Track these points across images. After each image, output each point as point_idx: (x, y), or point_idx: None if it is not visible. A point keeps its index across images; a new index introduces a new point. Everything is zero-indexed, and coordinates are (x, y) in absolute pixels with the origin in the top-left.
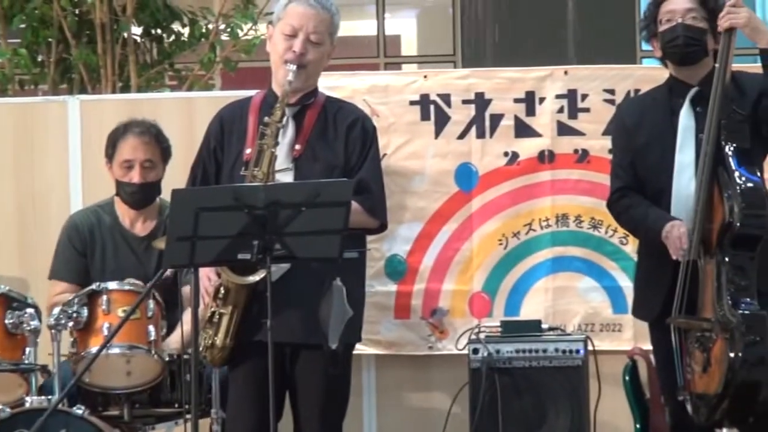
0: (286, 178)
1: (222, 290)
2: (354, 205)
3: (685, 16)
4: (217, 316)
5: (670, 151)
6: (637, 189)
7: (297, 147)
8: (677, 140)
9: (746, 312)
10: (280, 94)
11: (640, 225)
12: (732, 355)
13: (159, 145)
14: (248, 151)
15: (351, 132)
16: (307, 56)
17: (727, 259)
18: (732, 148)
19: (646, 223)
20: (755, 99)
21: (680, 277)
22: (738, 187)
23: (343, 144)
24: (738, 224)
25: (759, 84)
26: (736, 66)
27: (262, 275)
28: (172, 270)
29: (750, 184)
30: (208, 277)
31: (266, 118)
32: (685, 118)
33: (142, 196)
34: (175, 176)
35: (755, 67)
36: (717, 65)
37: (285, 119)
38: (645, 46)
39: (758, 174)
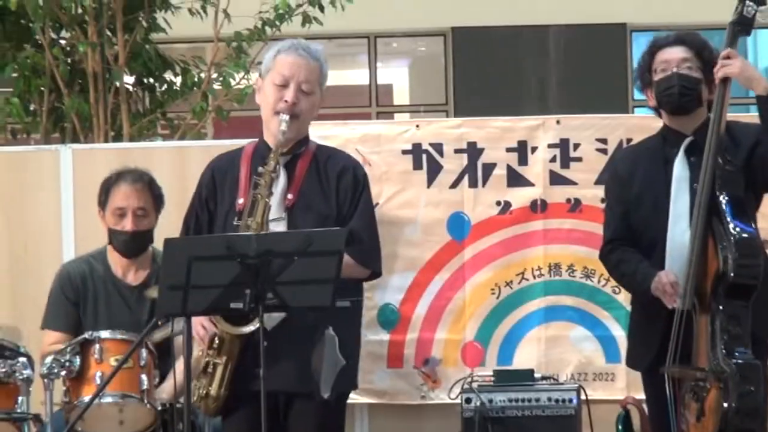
0: (279, 227)
1: (217, 340)
2: (345, 257)
3: (680, 66)
4: (212, 366)
5: (664, 201)
6: (630, 240)
7: (289, 196)
8: (672, 190)
9: (740, 361)
10: (273, 144)
11: (630, 282)
12: (726, 404)
13: (152, 193)
14: (241, 200)
15: (342, 180)
16: (299, 106)
17: (721, 308)
18: (726, 198)
19: (635, 279)
20: (750, 148)
21: (674, 327)
22: (732, 238)
23: (335, 192)
24: (732, 274)
25: (754, 133)
26: (730, 116)
27: (257, 326)
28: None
29: (744, 235)
30: (202, 325)
31: (260, 169)
32: (680, 168)
33: (134, 244)
34: (168, 225)
35: (749, 116)
36: (712, 115)
37: (277, 168)
38: (637, 96)
39: (752, 224)
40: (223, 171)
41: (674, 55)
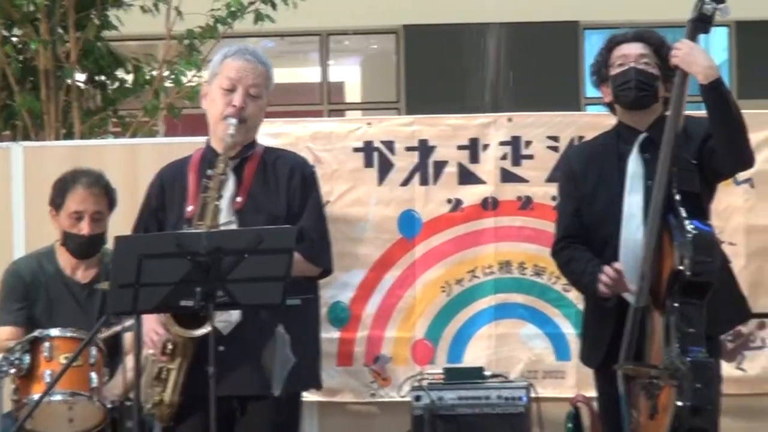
0: None
1: (170, 345)
2: (295, 254)
3: (638, 61)
4: (165, 372)
5: (618, 199)
6: (583, 237)
7: (239, 199)
8: (626, 187)
9: (694, 359)
10: (221, 148)
11: (578, 281)
12: (680, 403)
13: (107, 197)
14: (190, 208)
15: (291, 180)
16: (247, 110)
17: (676, 306)
18: (682, 195)
19: (582, 280)
20: (701, 141)
21: (628, 324)
22: (688, 235)
23: (284, 192)
24: (688, 273)
25: (705, 126)
26: (688, 112)
27: (208, 329)
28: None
29: (700, 232)
30: (155, 331)
31: (209, 171)
32: (634, 165)
33: (90, 247)
34: (119, 223)
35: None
36: (669, 111)
37: (227, 174)
38: (589, 93)
39: (708, 221)
40: (171, 180)
41: (632, 50)
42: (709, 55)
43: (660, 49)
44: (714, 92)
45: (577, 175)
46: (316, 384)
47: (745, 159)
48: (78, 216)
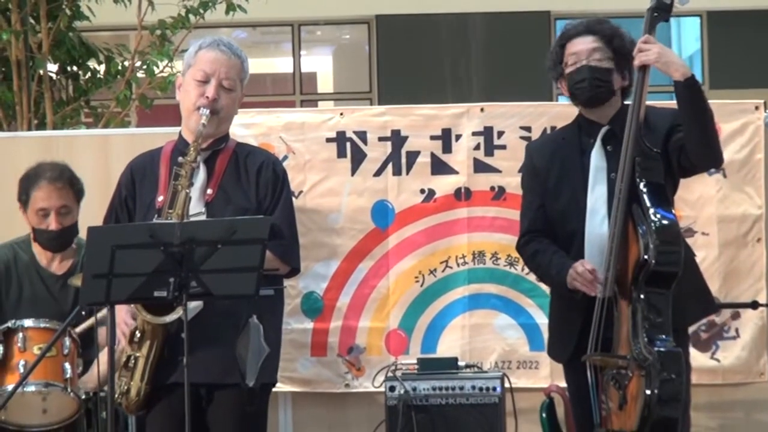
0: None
1: (138, 333)
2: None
3: (589, 58)
4: (133, 360)
5: (581, 192)
6: (547, 231)
7: (209, 191)
8: (589, 181)
9: (662, 349)
10: (194, 136)
11: (545, 274)
12: (648, 392)
13: (72, 189)
14: (161, 198)
15: (261, 175)
16: (220, 102)
17: (642, 296)
18: (646, 185)
19: (550, 272)
20: (666, 133)
21: (595, 315)
22: (653, 224)
23: (255, 188)
24: (653, 262)
25: (669, 118)
26: (653, 103)
27: (177, 315)
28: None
29: (665, 221)
30: (125, 322)
31: (180, 159)
32: (597, 158)
33: (60, 241)
34: (91, 213)
35: (671, 104)
36: (631, 103)
37: (198, 161)
38: None
39: (672, 211)
40: (142, 170)
41: (584, 46)
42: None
43: (612, 40)
44: (690, 89)
45: (540, 170)
46: (275, 378)
47: (717, 155)
48: (44, 212)
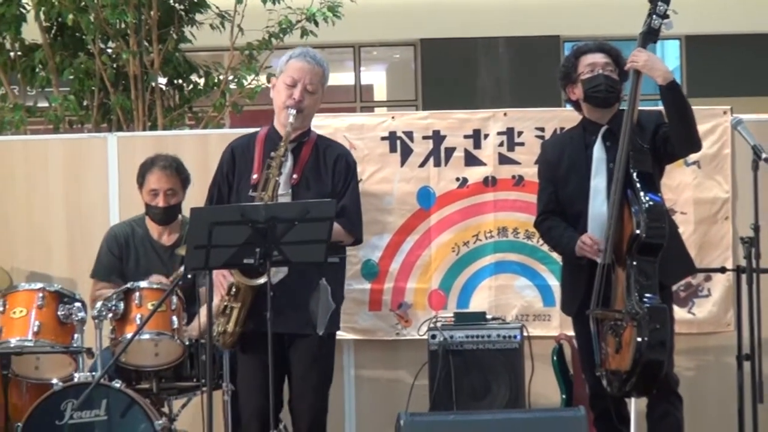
0: (285, 200)
1: (234, 288)
2: (336, 226)
3: (604, 68)
4: (229, 309)
5: (586, 180)
6: (559, 212)
7: (294, 176)
8: (592, 170)
9: (650, 305)
10: (284, 133)
11: (557, 244)
12: (639, 339)
13: (179, 176)
14: (255, 176)
15: (337, 165)
16: (304, 102)
17: (634, 263)
18: (638, 174)
19: (561, 243)
20: (653, 131)
21: (597, 278)
22: (643, 205)
23: (331, 175)
24: (644, 235)
25: (655, 118)
26: (640, 108)
27: (265, 279)
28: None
29: (653, 203)
30: (223, 275)
31: (272, 153)
32: (598, 151)
33: (165, 216)
34: (194, 196)
35: (660, 109)
36: (626, 105)
37: (286, 154)
38: None
39: (659, 194)
40: (241, 150)
41: (599, 59)
42: (663, 62)
43: (618, 60)
44: (672, 91)
45: (552, 162)
46: (338, 326)
47: (695, 142)
48: (155, 192)
